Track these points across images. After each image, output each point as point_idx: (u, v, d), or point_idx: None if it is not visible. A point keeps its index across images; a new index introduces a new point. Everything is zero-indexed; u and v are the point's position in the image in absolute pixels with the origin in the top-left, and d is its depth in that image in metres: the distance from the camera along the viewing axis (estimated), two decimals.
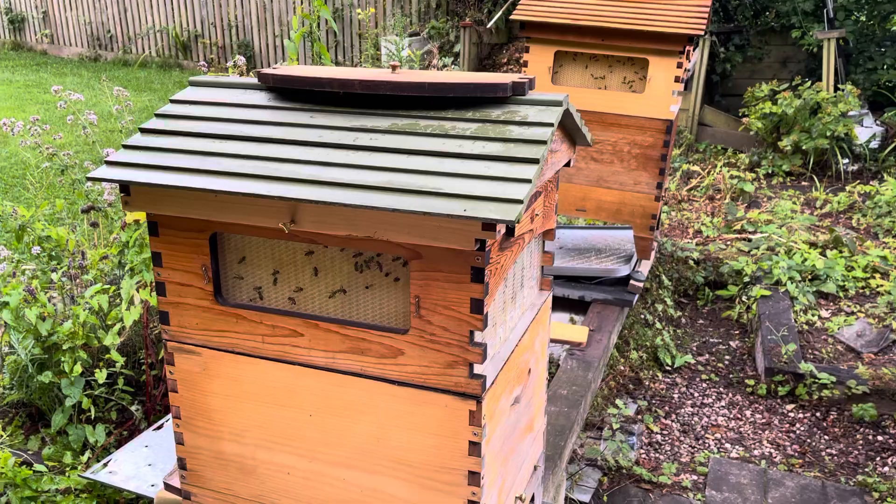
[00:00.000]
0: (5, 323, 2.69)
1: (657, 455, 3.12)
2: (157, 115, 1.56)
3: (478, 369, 1.39)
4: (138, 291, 2.70)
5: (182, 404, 1.66)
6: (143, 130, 1.53)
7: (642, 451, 3.14)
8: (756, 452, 3.13)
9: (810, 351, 3.69)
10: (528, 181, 1.25)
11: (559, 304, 3.63)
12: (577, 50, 3.41)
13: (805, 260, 4.37)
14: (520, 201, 1.21)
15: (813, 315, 3.96)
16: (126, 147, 1.49)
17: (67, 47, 11.94)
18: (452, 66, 7.61)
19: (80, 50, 11.80)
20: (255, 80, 1.61)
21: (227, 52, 10.58)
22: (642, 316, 4.01)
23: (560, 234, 4.15)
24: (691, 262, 4.51)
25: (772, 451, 3.14)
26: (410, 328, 1.41)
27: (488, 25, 8.04)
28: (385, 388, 1.46)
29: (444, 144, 1.36)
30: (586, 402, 2.97)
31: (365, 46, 9.15)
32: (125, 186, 1.47)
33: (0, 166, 6.28)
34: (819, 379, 3.38)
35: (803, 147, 6.03)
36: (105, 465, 2.30)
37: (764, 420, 3.36)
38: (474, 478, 1.45)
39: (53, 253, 3.07)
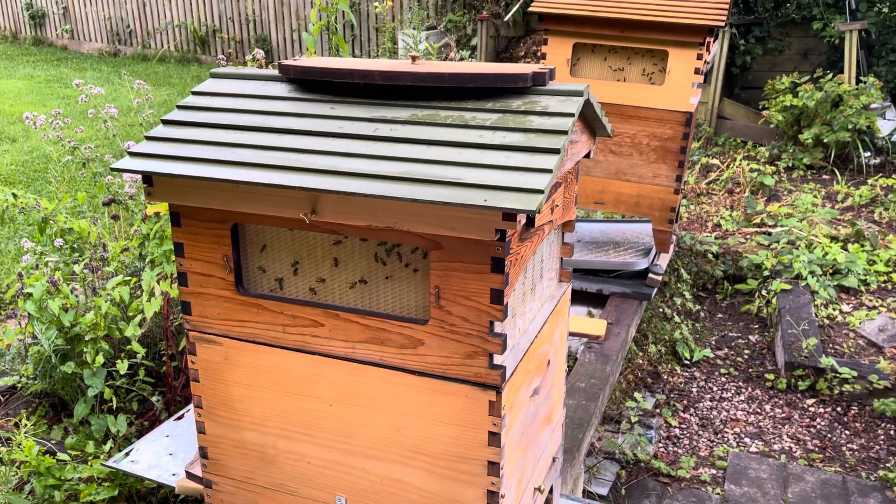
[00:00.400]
0: (29, 314, 2.73)
1: (675, 449, 3.11)
2: (179, 107, 1.57)
3: (497, 360, 1.39)
4: (159, 283, 2.73)
5: (203, 394, 1.67)
6: (166, 122, 1.55)
7: (660, 444, 3.13)
8: (776, 447, 3.11)
9: (831, 345, 3.66)
10: (549, 171, 1.24)
11: (577, 297, 3.62)
12: (595, 42, 3.39)
13: (826, 254, 4.33)
14: (541, 191, 1.21)
15: (834, 309, 3.92)
16: (149, 138, 1.50)
17: (87, 42, 12.04)
18: (470, 60, 7.59)
19: (100, 45, 11.89)
20: (275, 72, 1.61)
21: (244, 47, 10.62)
22: (661, 309, 3.99)
23: (578, 228, 4.13)
24: (710, 256, 4.48)
25: (792, 445, 3.12)
26: (430, 318, 1.41)
27: (505, 18, 8.01)
28: (404, 378, 1.47)
29: (465, 135, 1.36)
30: (604, 396, 2.96)
31: (382, 40, 9.15)
32: (148, 177, 1.48)
33: (22, 160, 6.35)
34: (840, 373, 3.35)
35: (824, 140, 5.96)
36: (127, 454, 2.33)
37: (784, 414, 3.33)
38: (493, 468, 1.46)
39: (75, 245, 3.11)
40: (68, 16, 12.07)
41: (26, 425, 2.61)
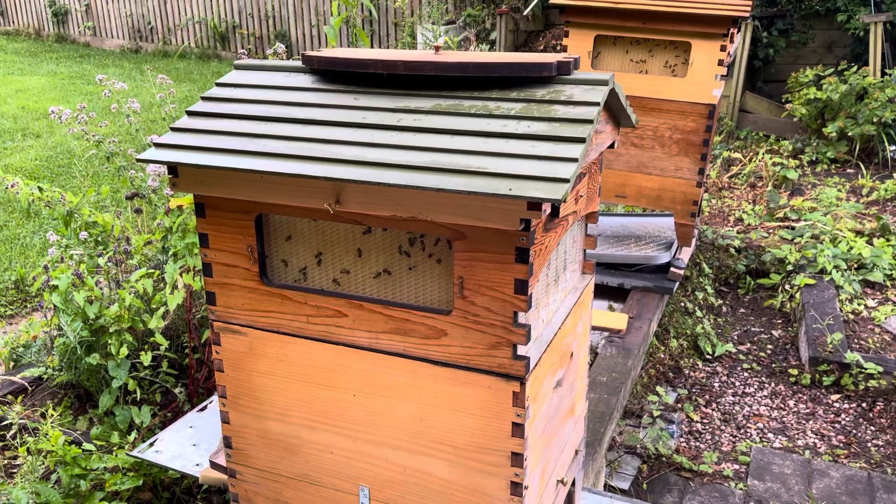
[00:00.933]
0: (55, 306, 2.76)
1: (697, 444, 3.09)
2: (204, 99, 1.58)
3: (521, 350, 1.39)
4: (181, 276, 2.75)
5: (228, 384, 1.68)
6: (190, 113, 1.55)
7: (682, 439, 3.11)
8: (800, 442, 3.08)
9: (856, 340, 3.61)
10: (575, 160, 1.24)
11: (598, 291, 3.60)
12: (617, 34, 3.37)
13: (851, 248, 4.27)
14: (566, 180, 1.20)
15: (859, 304, 3.87)
16: (174, 129, 1.51)
17: (109, 39, 12.15)
18: None
19: (122, 42, 12.00)
20: (298, 64, 1.62)
21: (263, 43, 10.66)
22: (682, 304, 3.96)
23: (599, 221, 4.11)
24: (732, 250, 4.44)
25: (816, 441, 3.09)
26: (454, 309, 1.41)
27: (524, 12, 7.98)
28: (428, 369, 1.47)
29: (489, 124, 1.35)
30: (626, 390, 2.94)
31: (401, 35, 9.15)
32: (173, 168, 1.49)
33: (47, 155, 6.42)
34: (865, 369, 3.31)
35: (849, 133, 5.89)
36: (151, 444, 2.35)
37: (808, 410, 3.30)
38: (517, 459, 1.45)
39: (99, 238, 3.14)
40: (90, 13, 12.19)
41: (53, 416, 2.64)
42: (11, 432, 2.67)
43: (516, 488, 1.48)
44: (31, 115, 7.71)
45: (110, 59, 11.05)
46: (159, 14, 11.51)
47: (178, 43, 11.45)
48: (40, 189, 3.02)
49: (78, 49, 11.91)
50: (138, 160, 1.45)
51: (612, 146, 1.67)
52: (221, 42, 11.05)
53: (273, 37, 10.51)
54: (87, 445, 2.49)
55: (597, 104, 1.34)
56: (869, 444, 3.06)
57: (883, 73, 6.26)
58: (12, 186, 3.01)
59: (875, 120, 5.75)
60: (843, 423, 3.20)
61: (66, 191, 3.16)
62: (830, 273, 4.07)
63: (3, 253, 4.62)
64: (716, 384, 3.50)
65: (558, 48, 7.61)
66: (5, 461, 2.66)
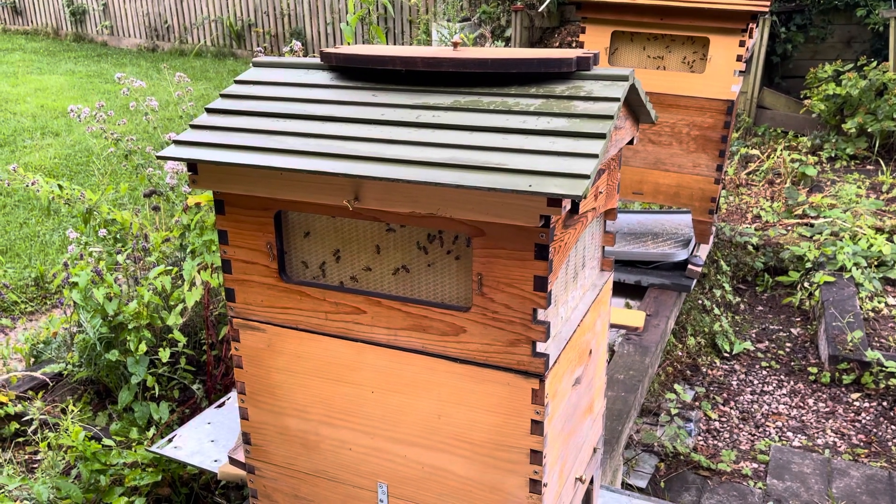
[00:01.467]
0: (74, 303, 2.78)
1: (715, 442, 3.07)
2: (223, 96, 1.58)
3: (541, 348, 1.38)
4: (199, 273, 2.76)
5: (247, 380, 1.69)
6: (209, 110, 1.56)
7: (700, 437, 3.09)
8: (819, 441, 3.05)
9: (877, 339, 3.57)
10: (595, 156, 1.23)
11: (615, 288, 3.59)
12: (635, 30, 3.35)
13: (871, 245, 4.23)
14: (587, 176, 1.19)
15: (879, 302, 3.83)
16: (193, 126, 1.52)
17: (126, 38, 12.23)
18: None
19: (139, 41, 12.08)
20: (316, 60, 1.62)
21: (279, 41, 10.70)
22: (700, 301, 3.93)
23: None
24: (750, 248, 4.41)
25: (836, 440, 3.06)
26: (472, 306, 1.40)
27: (540, 9, 7.95)
28: (446, 366, 1.47)
29: (508, 120, 1.34)
30: (643, 388, 2.93)
31: (416, 33, 9.15)
32: (193, 165, 1.50)
33: (65, 154, 6.48)
34: (886, 367, 3.28)
35: (868, 129, 5.82)
36: (170, 440, 2.36)
37: (827, 409, 3.27)
38: (536, 457, 1.45)
39: (118, 236, 3.16)
40: (108, 12, 12.28)
41: (73, 411, 2.67)
42: (32, 427, 2.70)
43: (535, 486, 1.47)
44: (50, 114, 7.78)
45: (127, 57, 11.13)
46: (176, 13, 11.58)
47: (194, 41, 11.52)
48: (60, 187, 3.04)
49: (95, 48, 12.00)
50: (159, 157, 1.46)
51: (631, 142, 1.66)
52: (237, 40, 11.09)
53: (288, 35, 10.54)
54: (106, 441, 2.51)
55: (617, 100, 1.33)
56: (890, 444, 3.02)
57: None
58: (32, 184, 3.04)
59: (895, 116, 5.68)
60: (863, 421, 3.17)
61: (85, 189, 3.19)
62: (850, 270, 4.03)
63: (23, 250, 4.66)
64: (734, 382, 3.48)
65: (574, 45, 7.57)
66: (26, 456, 2.68)
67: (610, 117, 1.30)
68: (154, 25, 11.86)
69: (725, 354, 3.69)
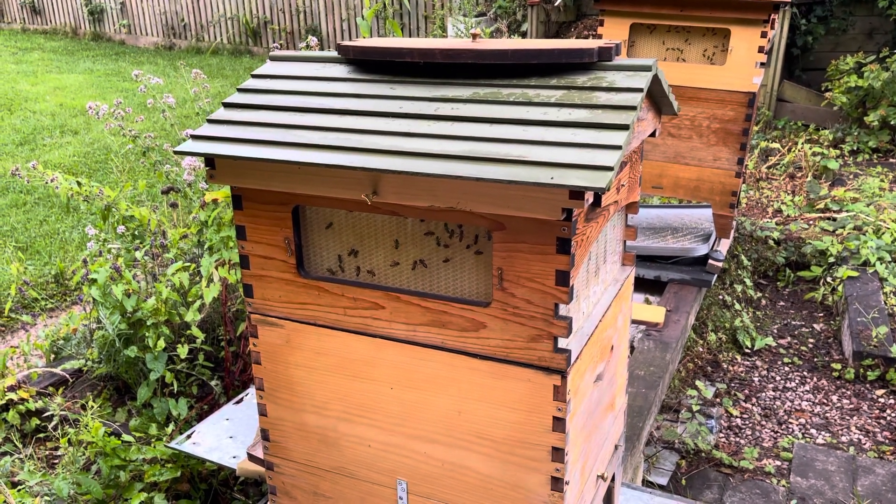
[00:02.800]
0: (94, 299, 2.79)
1: (737, 439, 3.03)
2: (240, 90, 1.57)
3: (562, 343, 1.36)
4: (217, 269, 2.76)
5: (265, 376, 1.68)
6: (226, 105, 1.55)
7: (721, 434, 3.05)
8: (843, 439, 3.00)
9: None
10: (618, 147, 1.20)
11: (634, 284, 3.55)
12: (654, 22, 3.30)
13: (895, 240, 4.15)
14: (610, 168, 1.17)
15: None
16: (210, 121, 1.51)
17: (143, 37, 12.30)
18: None
19: (156, 39, 12.14)
20: (333, 54, 1.60)
21: (295, 38, 10.71)
22: (720, 297, 3.89)
23: None
24: (771, 242, 4.35)
25: (861, 437, 3.01)
26: (493, 301, 1.38)
27: (556, 3, 7.89)
28: (466, 362, 1.45)
29: (528, 112, 1.32)
30: (664, 384, 2.90)
31: (432, 28, 9.12)
32: (211, 160, 1.49)
33: (84, 151, 6.52)
34: None
35: (891, 122, 5.73)
36: (188, 436, 2.36)
37: (852, 405, 3.21)
38: (558, 454, 1.43)
39: (136, 232, 3.17)
40: (125, 11, 12.35)
41: (92, 407, 2.68)
42: (53, 423, 2.71)
43: (557, 483, 1.45)
44: (68, 112, 7.84)
45: (145, 56, 11.19)
46: (192, 11, 11.62)
47: (210, 39, 11.56)
48: (79, 184, 3.05)
49: (113, 47, 12.08)
50: (176, 153, 1.45)
51: (653, 134, 1.63)
52: (253, 38, 11.12)
53: (304, 31, 10.54)
54: (126, 437, 2.52)
55: (640, 90, 1.31)
56: None
57: None
58: (52, 181, 3.05)
59: None
60: (888, 418, 3.11)
61: (103, 186, 3.20)
62: (874, 265, 3.96)
63: (43, 247, 4.70)
64: (755, 379, 3.43)
65: (594, 36, 7.51)
66: (47, 452, 2.70)
67: (633, 108, 1.27)
68: (171, 24, 11.91)
69: (747, 350, 3.64)
